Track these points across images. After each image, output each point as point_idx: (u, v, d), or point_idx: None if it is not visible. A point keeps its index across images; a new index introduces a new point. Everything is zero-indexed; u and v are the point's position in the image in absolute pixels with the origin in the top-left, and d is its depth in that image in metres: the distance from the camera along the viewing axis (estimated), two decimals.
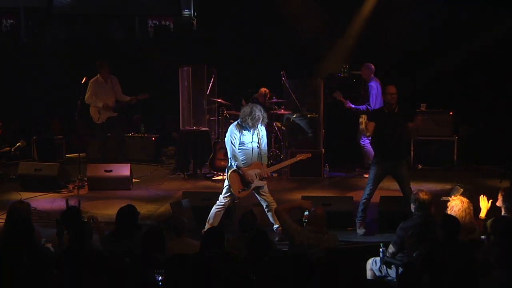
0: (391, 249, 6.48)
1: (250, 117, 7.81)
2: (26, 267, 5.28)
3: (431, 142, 12.04)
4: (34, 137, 12.69)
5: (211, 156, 11.38)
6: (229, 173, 7.99)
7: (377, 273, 6.46)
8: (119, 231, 6.43)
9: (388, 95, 8.24)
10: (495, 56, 12.72)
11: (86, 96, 11.12)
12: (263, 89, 11.99)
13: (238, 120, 8.03)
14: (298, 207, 7.52)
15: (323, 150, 11.38)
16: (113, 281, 5.02)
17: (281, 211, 7.02)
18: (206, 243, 5.75)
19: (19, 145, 12.21)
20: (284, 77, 11.69)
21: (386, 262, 6.36)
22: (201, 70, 11.72)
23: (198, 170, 11.69)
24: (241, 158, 7.95)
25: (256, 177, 7.95)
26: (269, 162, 9.66)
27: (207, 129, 11.93)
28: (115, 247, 6.17)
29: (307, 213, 7.01)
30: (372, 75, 11.21)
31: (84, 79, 11.05)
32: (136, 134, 13.28)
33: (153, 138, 13.17)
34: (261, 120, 7.89)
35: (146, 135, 13.25)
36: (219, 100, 11.93)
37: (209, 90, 11.93)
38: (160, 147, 13.41)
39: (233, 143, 7.90)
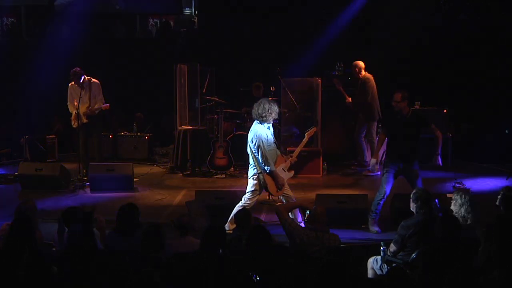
0: (392, 247, 6.51)
1: (269, 111, 7.77)
2: (26, 267, 5.29)
3: (424, 140, 12.00)
4: (26, 137, 12.36)
5: (210, 155, 11.39)
6: (263, 176, 7.84)
7: (378, 272, 6.49)
8: (120, 230, 6.44)
9: (393, 102, 8.23)
10: (494, 54, 12.72)
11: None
12: (258, 84, 11.95)
13: (257, 121, 7.89)
14: (299, 207, 7.52)
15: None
16: (114, 279, 5.02)
17: (281, 210, 7.03)
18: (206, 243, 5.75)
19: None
20: (280, 75, 11.67)
21: (387, 261, 6.38)
22: (195, 68, 11.65)
23: (197, 169, 11.67)
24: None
25: (285, 171, 7.98)
26: None
27: (204, 127, 11.91)
28: (116, 246, 6.19)
29: (309, 212, 7.01)
30: (364, 72, 11.15)
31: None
32: (129, 133, 13.17)
33: (146, 137, 13.02)
34: (277, 110, 7.88)
35: (139, 134, 13.14)
36: (215, 99, 11.93)
37: (205, 88, 11.92)
38: (153, 146, 13.24)
39: (264, 146, 7.77)
